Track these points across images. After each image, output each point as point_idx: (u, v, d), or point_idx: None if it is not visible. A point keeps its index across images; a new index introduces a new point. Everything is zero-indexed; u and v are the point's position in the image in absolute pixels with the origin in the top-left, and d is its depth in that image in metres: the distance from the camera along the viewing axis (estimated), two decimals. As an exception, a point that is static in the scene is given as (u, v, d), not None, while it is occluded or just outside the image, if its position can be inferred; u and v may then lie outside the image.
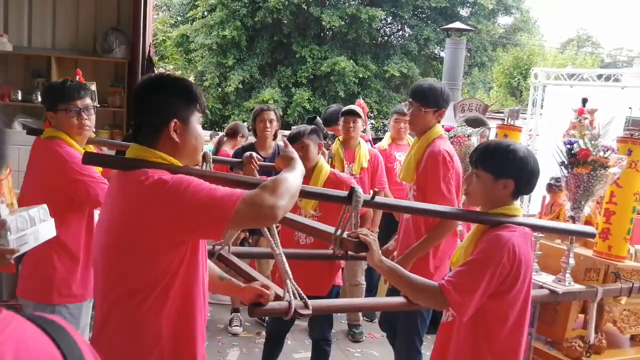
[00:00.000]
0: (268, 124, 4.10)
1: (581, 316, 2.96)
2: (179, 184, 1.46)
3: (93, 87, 3.25)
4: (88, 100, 2.53)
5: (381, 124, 16.96)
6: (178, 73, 4.43)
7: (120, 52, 5.44)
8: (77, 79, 2.98)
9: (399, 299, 2.18)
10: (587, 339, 2.86)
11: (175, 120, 1.57)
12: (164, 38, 17.70)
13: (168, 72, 3.47)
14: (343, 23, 15.26)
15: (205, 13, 16.28)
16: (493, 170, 1.94)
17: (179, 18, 19.20)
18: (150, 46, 5.99)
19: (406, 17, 16.25)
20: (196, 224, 1.45)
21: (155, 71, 4.76)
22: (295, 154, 1.77)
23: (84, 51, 5.43)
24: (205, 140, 1.92)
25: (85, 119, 2.50)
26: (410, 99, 2.91)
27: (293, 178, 1.58)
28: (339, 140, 4.29)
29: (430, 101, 2.83)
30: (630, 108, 3.18)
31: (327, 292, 3.07)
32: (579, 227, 2.58)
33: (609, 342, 3.01)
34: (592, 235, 2.30)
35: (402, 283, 1.91)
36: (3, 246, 1.77)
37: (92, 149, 2.68)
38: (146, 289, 1.51)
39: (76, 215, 2.44)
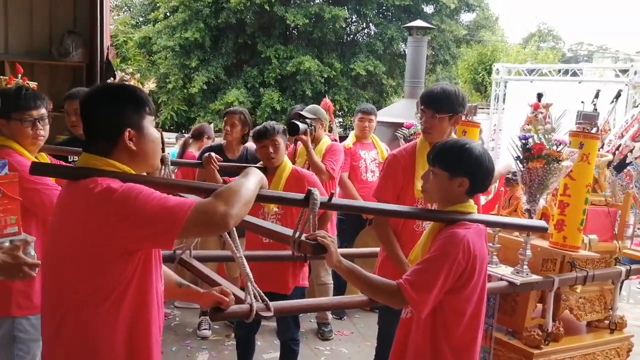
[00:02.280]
0: (229, 128, 4.10)
1: (539, 305, 3.04)
2: (128, 192, 1.46)
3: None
4: (43, 110, 2.48)
5: (349, 121, 17.04)
6: (138, 76, 4.37)
7: (77, 56, 5.33)
8: (19, 77, 2.91)
9: (360, 297, 2.21)
10: (545, 327, 2.94)
11: (128, 129, 1.57)
12: (125, 39, 17.41)
13: (125, 82, 3.43)
14: (308, 22, 15.25)
15: (167, 14, 16.08)
16: (449, 168, 1.99)
17: (141, 19, 18.92)
18: (108, 49, 5.88)
19: (371, 15, 16.35)
20: (146, 233, 1.45)
21: (116, 74, 4.69)
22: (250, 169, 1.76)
23: (40, 55, 5.30)
24: (170, 142, 1.91)
25: (40, 129, 2.46)
26: (422, 107, 2.74)
27: (248, 184, 1.58)
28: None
29: (444, 106, 2.66)
30: (582, 102, 3.26)
31: (291, 291, 3.09)
32: (530, 222, 2.65)
33: (567, 329, 3.10)
34: (544, 230, 2.37)
35: (361, 283, 1.95)
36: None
37: (45, 157, 2.63)
38: (98, 299, 1.50)
39: (32, 224, 2.40)
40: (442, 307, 1.92)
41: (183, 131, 14.68)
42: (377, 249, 3.58)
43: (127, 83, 3.85)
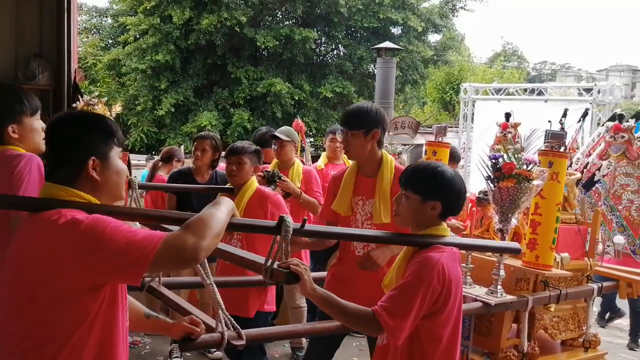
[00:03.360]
0: (199, 153, 4.10)
1: (514, 325, 3.04)
2: (95, 224, 1.40)
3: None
4: None
5: (320, 141, 17.09)
6: (104, 100, 4.29)
7: (43, 79, 5.22)
8: None
9: (333, 323, 2.17)
10: (521, 347, 2.93)
11: (93, 158, 1.51)
12: (94, 61, 17.24)
13: (90, 106, 3.37)
14: (277, 43, 15.33)
15: (137, 36, 15.98)
16: (421, 192, 1.97)
17: (110, 41, 18.77)
18: (75, 72, 5.80)
19: (340, 36, 16.51)
20: (113, 267, 1.39)
21: (80, 98, 4.60)
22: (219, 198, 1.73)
23: (5, 79, 5.17)
24: (140, 164, 1.86)
25: None
26: (341, 128, 2.83)
27: (219, 214, 1.54)
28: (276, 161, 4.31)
29: (357, 123, 2.70)
30: (550, 122, 3.31)
31: (253, 314, 3.05)
32: (503, 243, 2.65)
33: (542, 348, 3.10)
34: (517, 252, 2.37)
35: (335, 311, 1.90)
36: None
37: None
38: (62, 337, 1.42)
39: None
40: (419, 332, 1.89)
41: (153, 153, 14.51)
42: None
43: (93, 107, 3.79)
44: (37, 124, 2.35)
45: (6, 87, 2.49)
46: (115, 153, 1.58)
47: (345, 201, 2.79)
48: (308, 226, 1.87)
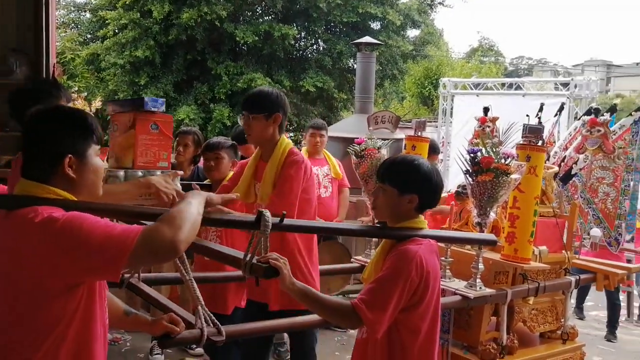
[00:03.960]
0: (182, 148, 4.12)
1: (494, 318, 3.06)
2: (71, 221, 1.37)
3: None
4: None
5: (300, 136, 17.06)
6: (84, 95, 4.21)
7: (21, 74, 5.13)
8: None
9: (313, 317, 2.16)
10: (500, 340, 2.96)
11: (69, 155, 1.49)
12: (72, 56, 16.96)
13: (61, 104, 3.31)
14: (257, 39, 15.25)
15: (117, 31, 15.76)
16: (398, 185, 1.98)
17: (89, 36, 18.47)
18: (54, 66, 5.70)
19: (319, 32, 16.48)
20: (91, 264, 1.37)
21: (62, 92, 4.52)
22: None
23: (-18, 73, 5.08)
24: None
25: None
26: (242, 112, 2.76)
27: (190, 207, 1.52)
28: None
29: (258, 106, 2.68)
30: (527, 116, 3.34)
31: (231, 311, 3.04)
32: (480, 235, 2.67)
33: (521, 341, 3.13)
34: (494, 243, 2.39)
35: (315, 305, 1.91)
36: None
37: None
38: (38, 338, 1.39)
39: None
40: (397, 325, 1.90)
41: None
42: (330, 266, 3.55)
43: (73, 102, 3.73)
44: None
45: (42, 79, 2.51)
46: (93, 151, 1.56)
47: (244, 186, 2.78)
48: (287, 221, 1.87)
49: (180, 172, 2.07)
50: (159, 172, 2.01)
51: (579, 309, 6.39)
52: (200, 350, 4.33)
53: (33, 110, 1.68)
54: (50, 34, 5.49)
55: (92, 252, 1.35)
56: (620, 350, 5.43)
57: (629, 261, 5.09)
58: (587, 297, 6.48)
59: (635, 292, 6.53)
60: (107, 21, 15.71)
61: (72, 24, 19.50)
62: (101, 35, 16.19)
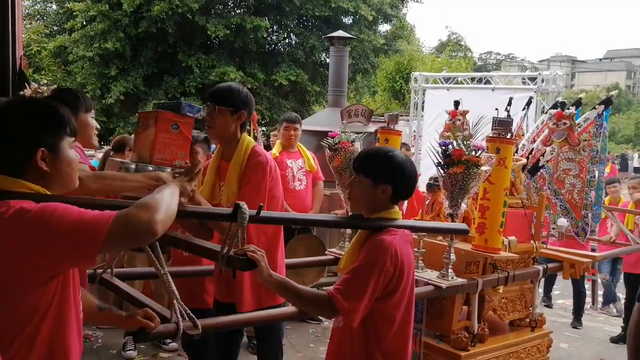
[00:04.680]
0: None
1: (465, 308, 3.13)
2: (43, 210, 1.36)
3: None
4: None
5: (271, 131, 17.02)
6: (53, 87, 4.10)
7: (-15, 67, 4.99)
8: None
9: (290, 309, 2.19)
10: (471, 329, 3.03)
11: (42, 148, 1.46)
12: (38, 49, 16.56)
13: (39, 94, 3.23)
14: (229, 32, 15.13)
15: (85, 23, 15.45)
16: (372, 176, 2.01)
17: (55, 28, 18.05)
18: (21, 58, 5.56)
19: (291, 25, 16.44)
20: (65, 249, 1.35)
21: (28, 86, 4.42)
22: (166, 180, 1.72)
23: (-59, 66, 4.92)
24: (89, 154, 1.83)
25: None
26: (207, 103, 2.71)
27: (166, 194, 1.52)
28: None
29: (225, 100, 2.64)
30: (497, 109, 3.41)
31: (212, 305, 3.04)
32: (453, 225, 2.73)
33: (491, 329, 3.22)
34: (466, 232, 2.45)
35: (292, 295, 1.93)
36: None
37: None
38: (8, 336, 1.37)
39: None
40: (372, 314, 1.94)
41: (102, 143, 14.07)
42: (305, 259, 3.57)
43: (42, 95, 3.65)
44: (91, 121, 2.45)
45: (65, 88, 2.50)
46: (67, 143, 1.53)
47: (208, 187, 2.77)
48: (264, 213, 1.88)
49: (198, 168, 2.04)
50: (169, 169, 2.04)
51: (547, 297, 6.56)
52: (174, 345, 4.31)
53: (4, 101, 1.64)
54: (16, 26, 5.36)
55: (65, 236, 1.34)
56: (586, 336, 5.60)
57: (593, 250, 5.26)
58: (554, 286, 6.65)
59: (599, 281, 6.74)
60: (74, 13, 15.38)
61: (38, 16, 19.03)
62: (68, 28, 15.84)
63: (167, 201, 1.49)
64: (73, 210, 1.37)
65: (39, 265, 1.36)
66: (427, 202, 3.31)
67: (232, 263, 1.80)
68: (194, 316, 1.90)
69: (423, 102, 9.48)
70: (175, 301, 1.86)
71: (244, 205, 1.79)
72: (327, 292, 1.89)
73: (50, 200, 1.45)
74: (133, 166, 2.06)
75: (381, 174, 2.01)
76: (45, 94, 3.58)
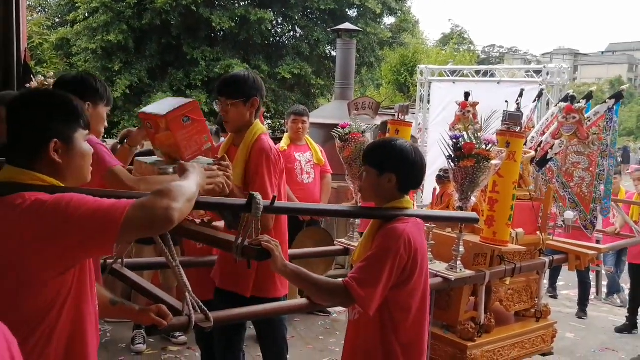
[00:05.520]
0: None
1: (472, 299, 3.16)
2: (59, 201, 1.37)
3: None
4: None
5: (278, 123, 17.01)
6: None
7: (-10, 59, 5.02)
8: None
9: (300, 301, 2.21)
10: (478, 320, 3.06)
11: (55, 140, 1.46)
12: (40, 41, 16.55)
13: (46, 86, 3.24)
14: (234, 24, 15.12)
15: (87, 15, 15.42)
16: (377, 165, 2.05)
17: (57, 20, 18.03)
18: (26, 51, 5.57)
19: (296, 18, 16.41)
20: (83, 238, 1.36)
21: (34, 78, 4.45)
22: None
23: (-52, 58, 4.95)
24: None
25: None
26: (217, 97, 2.67)
27: (186, 184, 1.52)
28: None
29: (236, 91, 2.60)
30: (506, 102, 3.42)
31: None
32: (463, 214, 2.75)
33: (497, 320, 3.24)
34: (476, 221, 2.47)
35: (308, 285, 1.95)
36: None
37: None
38: (26, 328, 1.38)
39: None
40: (388, 303, 1.95)
41: (106, 136, 14.07)
42: (313, 249, 3.57)
43: (49, 87, 3.67)
44: (104, 115, 2.42)
45: (94, 76, 2.51)
46: (80, 135, 1.53)
47: None
48: (277, 203, 1.90)
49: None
50: (203, 158, 2.10)
51: (552, 288, 6.60)
52: (183, 338, 4.33)
53: (16, 94, 1.65)
54: (20, 19, 5.37)
55: (82, 224, 1.34)
56: (591, 326, 5.64)
57: (598, 242, 5.27)
58: (559, 277, 6.68)
59: (603, 272, 6.77)
60: (76, 4, 15.37)
61: (39, 8, 19.01)
62: (71, 20, 15.83)
63: (190, 190, 1.50)
64: (89, 200, 1.38)
65: (56, 255, 1.37)
66: (436, 194, 3.33)
67: (247, 253, 1.82)
68: (205, 308, 1.90)
69: (429, 95, 9.47)
70: (187, 293, 1.86)
71: (258, 195, 1.80)
72: (342, 281, 1.91)
73: (65, 192, 1.45)
74: (171, 169, 2.09)
75: (385, 163, 2.03)
76: (52, 86, 3.60)
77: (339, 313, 5.13)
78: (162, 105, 2.28)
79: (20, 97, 1.56)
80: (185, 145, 2.10)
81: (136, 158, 2.40)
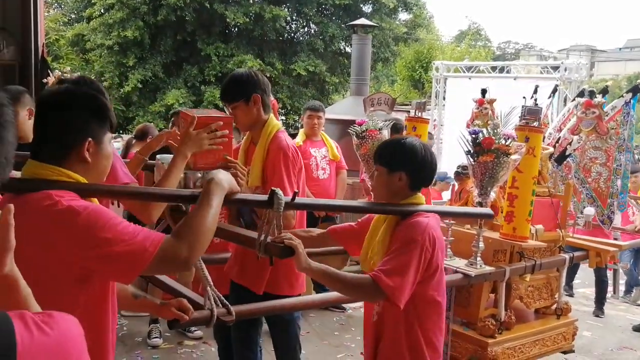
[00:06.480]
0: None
1: (492, 295, 3.13)
2: (95, 220, 1.37)
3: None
4: None
5: (292, 119, 17.04)
6: (76, 74, 4.15)
7: (8, 54, 5.09)
8: None
9: (320, 297, 2.20)
10: (498, 316, 3.03)
11: (89, 139, 1.47)
12: (57, 37, 16.71)
13: (69, 84, 3.26)
14: (248, 20, 15.14)
15: (103, 11, 15.55)
16: (387, 164, 2.04)
17: (73, 16, 18.20)
18: (43, 46, 5.63)
19: (311, 14, 16.39)
20: (109, 268, 1.40)
21: (51, 73, 4.48)
22: (215, 185, 1.60)
23: (-33, 54, 5.02)
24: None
25: None
26: (223, 104, 2.71)
27: (211, 211, 1.51)
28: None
29: (235, 94, 2.61)
30: (524, 98, 3.39)
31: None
32: (477, 210, 2.74)
33: (517, 317, 3.21)
34: (490, 217, 2.45)
35: (334, 282, 1.93)
36: None
37: None
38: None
39: None
40: (414, 298, 1.92)
41: (120, 132, 14.17)
42: (329, 248, 3.56)
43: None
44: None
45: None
46: (108, 138, 1.55)
47: None
48: (298, 199, 1.89)
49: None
50: (166, 156, 2.08)
51: (569, 286, 6.53)
52: (199, 333, 4.35)
53: (49, 90, 1.65)
54: (38, 13, 5.42)
55: (112, 259, 1.37)
56: (608, 324, 5.58)
57: (615, 239, 5.21)
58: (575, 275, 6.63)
59: (621, 270, 6.69)
60: (92, 1, 15.49)
61: (56, 4, 19.21)
62: (86, 16, 15.97)
63: (210, 223, 1.49)
64: (120, 229, 1.38)
65: (80, 268, 1.38)
66: (455, 190, 3.31)
67: (270, 250, 1.81)
68: (227, 302, 1.90)
69: (444, 91, 9.42)
70: (208, 287, 1.86)
71: (279, 191, 1.78)
72: (369, 274, 1.89)
73: (91, 191, 1.48)
74: (199, 175, 2.07)
75: (394, 161, 2.03)
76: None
77: (354, 309, 5.13)
78: (204, 111, 2.27)
79: (60, 91, 1.56)
80: (202, 154, 2.04)
81: (157, 156, 2.39)
